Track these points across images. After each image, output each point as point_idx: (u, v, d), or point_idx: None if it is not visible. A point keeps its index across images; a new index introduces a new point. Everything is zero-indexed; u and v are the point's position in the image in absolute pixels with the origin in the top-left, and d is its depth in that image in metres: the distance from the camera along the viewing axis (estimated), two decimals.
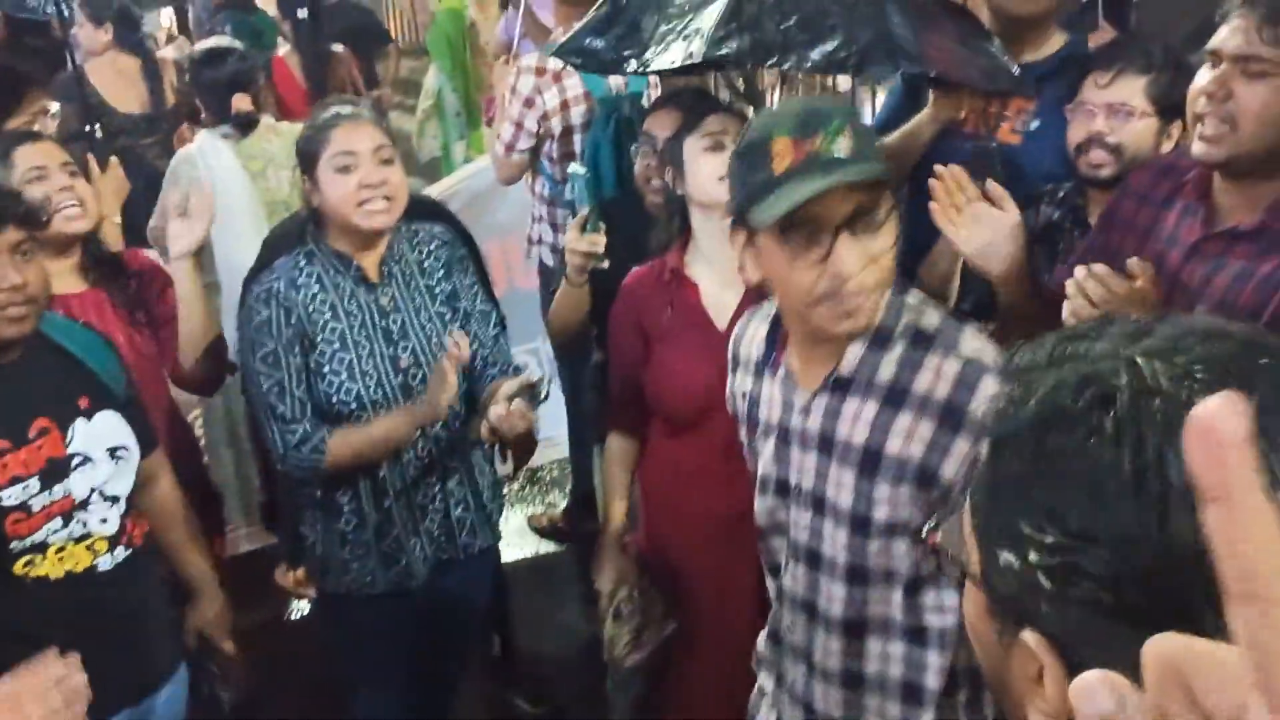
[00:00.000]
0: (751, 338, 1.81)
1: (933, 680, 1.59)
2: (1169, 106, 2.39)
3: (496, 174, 4.02)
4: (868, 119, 3.34)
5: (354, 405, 2.36)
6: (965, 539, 0.81)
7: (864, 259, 1.47)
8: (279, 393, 2.33)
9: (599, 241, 2.65)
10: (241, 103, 3.68)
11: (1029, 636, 0.72)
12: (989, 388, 1.46)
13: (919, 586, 1.59)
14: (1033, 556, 0.71)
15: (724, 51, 2.36)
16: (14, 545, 1.94)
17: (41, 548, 1.98)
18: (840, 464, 1.57)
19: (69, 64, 4.06)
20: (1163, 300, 1.96)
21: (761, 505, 1.75)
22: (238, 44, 4.00)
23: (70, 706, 1.42)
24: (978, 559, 0.79)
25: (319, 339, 2.35)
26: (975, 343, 1.56)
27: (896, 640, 1.60)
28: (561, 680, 3.57)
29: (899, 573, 1.58)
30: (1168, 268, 1.98)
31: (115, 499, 2.09)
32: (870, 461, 1.54)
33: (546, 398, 2.30)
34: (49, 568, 1.99)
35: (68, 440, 2.02)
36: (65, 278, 2.56)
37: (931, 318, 1.58)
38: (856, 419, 1.56)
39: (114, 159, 3.20)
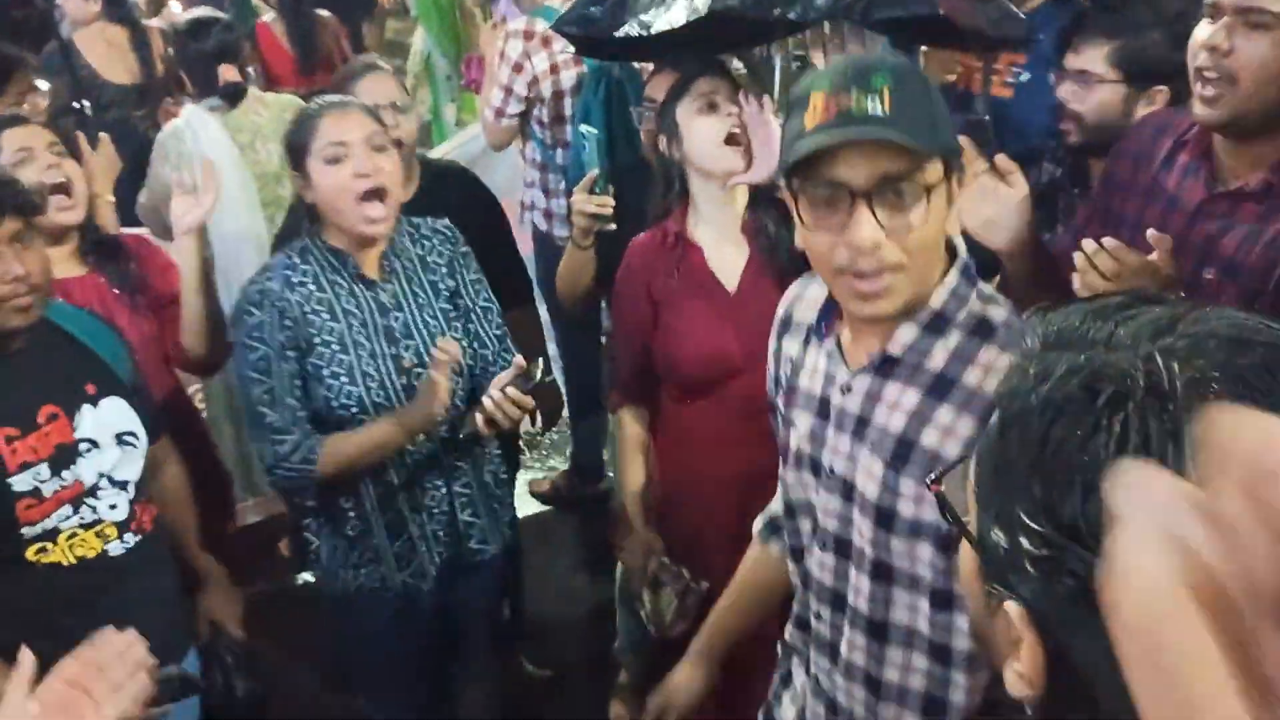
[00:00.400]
0: (810, 301, 1.65)
1: (958, 696, 1.49)
2: (1140, 72, 2.36)
3: (487, 139, 3.97)
4: None
5: (355, 409, 2.24)
6: (967, 496, 0.81)
7: (886, 233, 1.33)
8: (270, 401, 2.21)
9: (607, 203, 2.60)
10: (229, 74, 3.62)
11: (1011, 608, 0.72)
12: None
13: (949, 603, 1.46)
14: (1023, 542, 0.70)
15: (730, 2, 2.29)
16: (26, 532, 1.93)
17: (53, 534, 1.96)
18: (872, 451, 1.45)
19: (55, 38, 3.99)
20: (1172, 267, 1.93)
21: (794, 479, 1.64)
22: (221, 14, 3.92)
23: (133, 677, 1.42)
24: (975, 519, 0.79)
25: (316, 341, 2.23)
26: None
27: (920, 654, 1.49)
28: (566, 642, 3.58)
29: (924, 579, 1.46)
30: (1170, 230, 1.94)
31: (124, 485, 2.06)
32: (902, 452, 1.42)
33: (538, 381, 2.23)
34: (60, 554, 1.97)
35: (75, 426, 2.00)
36: (63, 263, 2.50)
37: (999, 312, 1.45)
38: (896, 405, 1.44)
39: (104, 136, 3.12)
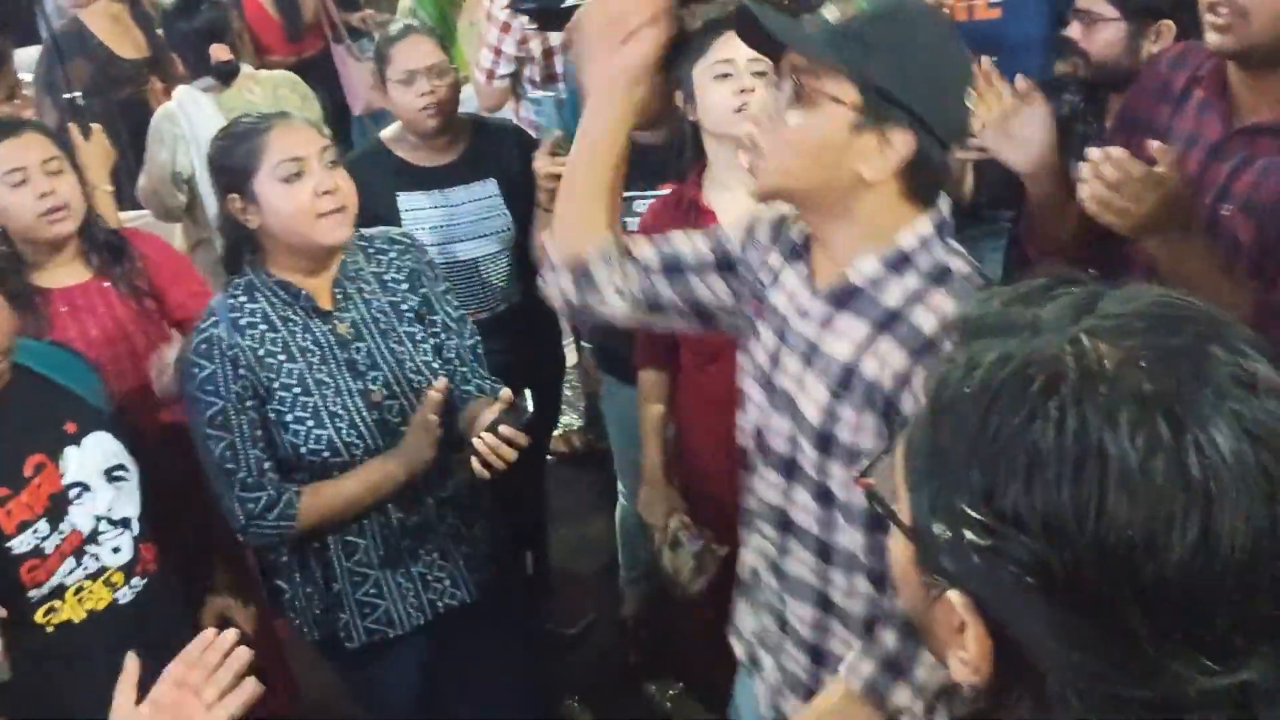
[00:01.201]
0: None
1: (895, 620, 1.42)
2: (1143, 9, 2.28)
3: (479, 102, 3.83)
4: None
5: (327, 454, 1.99)
6: (897, 487, 0.79)
7: (765, 114, 1.38)
8: (233, 456, 1.96)
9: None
10: (220, 52, 3.49)
11: (954, 596, 0.72)
12: None
13: (883, 528, 1.39)
14: (966, 534, 0.69)
15: None
16: (32, 594, 1.79)
17: (59, 591, 1.82)
18: (818, 377, 1.42)
19: (46, 27, 3.84)
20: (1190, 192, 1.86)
21: (750, 389, 1.58)
22: None
23: (239, 677, 1.38)
24: (908, 511, 0.76)
25: (275, 385, 1.98)
26: None
27: (861, 577, 1.45)
28: (585, 595, 3.49)
29: (860, 505, 1.40)
30: (1188, 168, 1.86)
31: (126, 523, 1.92)
32: (844, 379, 1.39)
33: (532, 415, 1.95)
34: (70, 611, 1.84)
35: (62, 472, 1.84)
36: (66, 268, 2.32)
37: (961, 264, 1.40)
38: (844, 335, 1.41)
39: (96, 126, 2.98)
